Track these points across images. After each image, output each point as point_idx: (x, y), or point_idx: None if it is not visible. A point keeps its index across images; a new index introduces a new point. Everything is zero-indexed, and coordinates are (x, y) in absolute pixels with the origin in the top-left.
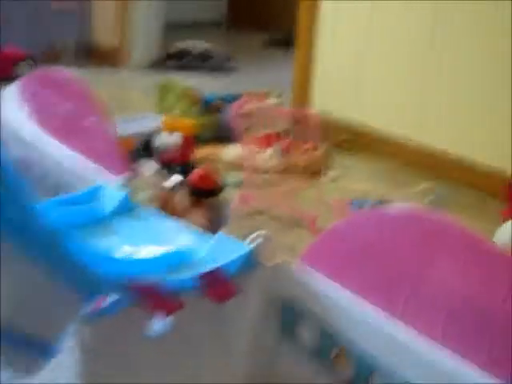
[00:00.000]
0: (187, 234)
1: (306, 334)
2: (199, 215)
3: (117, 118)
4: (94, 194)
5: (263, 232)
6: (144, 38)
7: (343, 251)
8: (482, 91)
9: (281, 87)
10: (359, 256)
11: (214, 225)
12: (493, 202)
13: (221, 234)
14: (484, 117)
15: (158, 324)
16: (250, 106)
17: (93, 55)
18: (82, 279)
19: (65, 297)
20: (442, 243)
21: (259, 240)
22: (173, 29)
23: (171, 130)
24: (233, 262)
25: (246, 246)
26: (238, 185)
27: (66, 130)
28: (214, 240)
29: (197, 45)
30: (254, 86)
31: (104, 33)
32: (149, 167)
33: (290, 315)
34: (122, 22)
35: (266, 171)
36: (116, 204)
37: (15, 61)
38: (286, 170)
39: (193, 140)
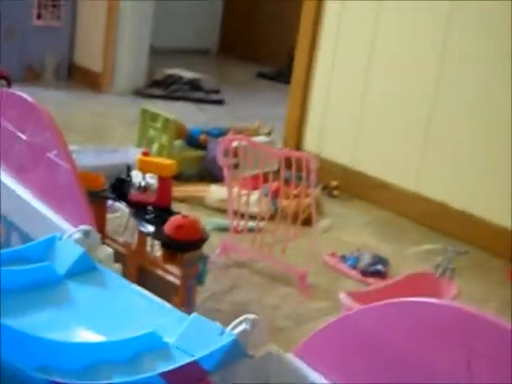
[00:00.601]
0: (154, 310)
1: None
2: (172, 271)
3: (90, 148)
4: (45, 247)
5: (251, 316)
6: (129, 63)
7: (347, 347)
8: (487, 144)
9: (270, 122)
10: (371, 356)
11: (187, 284)
12: (499, 263)
13: (196, 315)
14: (488, 172)
15: None
16: (239, 143)
17: (74, 77)
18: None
19: None
20: (482, 353)
21: (245, 325)
22: (160, 55)
23: (147, 170)
24: (212, 353)
25: (228, 334)
26: (221, 230)
27: (22, 161)
28: (187, 322)
29: (185, 73)
30: (243, 120)
31: (88, 54)
32: (118, 208)
33: None
34: (107, 45)
35: (251, 216)
36: (72, 263)
37: None
38: (274, 217)
39: (171, 182)
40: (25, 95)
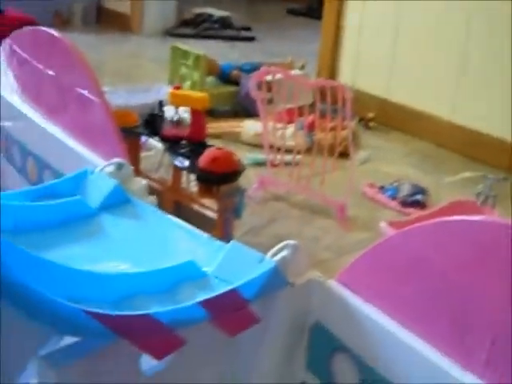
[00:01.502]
0: (192, 240)
1: (342, 371)
2: (209, 205)
3: (122, 89)
4: (76, 182)
5: (291, 242)
6: (158, 3)
7: (392, 271)
8: None
9: (303, 58)
10: (412, 279)
11: (224, 218)
12: None
13: (235, 242)
14: None
15: (149, 365)
16: (272, 76)
17: (103, 21)
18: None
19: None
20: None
21: (285, 252)
22: None
23: (179, 103)
24: (251, 282)
25: (267, 261)
26: (257, 165)
27: (52, 100)
28: (226, 250)
29: (215, 11)
30: (275, 56)
31: None
32: (152, 146)
33: (322, 348)
34: None
35: (287, 150)
36: (104, 196)
37: (20, 26)
38: (310, 150)
39: (204, 116)
40: (53, 31)
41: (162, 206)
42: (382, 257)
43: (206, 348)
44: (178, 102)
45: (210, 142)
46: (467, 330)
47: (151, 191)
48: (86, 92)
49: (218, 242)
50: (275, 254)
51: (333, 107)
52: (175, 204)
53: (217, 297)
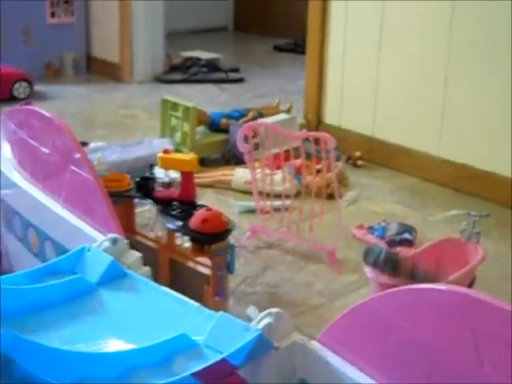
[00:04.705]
0: (183, 310)
1: None
2: (202, 262)
3: (115, 144)
4: (75, 259)
5: (274, 310)
6: (146, 51)
7: (364, 333)
8: (507, 101)
9: (291, 96)
10: (387, 341)
11: (218, 274)
12: None
13: (222, 314)
14: (508, 129)
15: None
16: (258, 126)
17: (93, 70)
18: None
19: None
20: (488, 336)
21: (269, 319)
22: (177, 37)
23: (168, 167)
24: (239, 350)
25: (253, 329)
26: (249, 212)
27: (48, 175)
28: (214, 321)
29: (203, 54)
30: (264, 97)
31: (104, 46)
32: (146, 205)
33: None
34: (122, 35)
35: (278, 195)
36: (102, 272)
37: (12, 81)
38: (300, 194)
39: (193, 177)
40: (43, 111)
41: (158, 263)
42: (357, 319)
43: None
44: (167, 165)
45: (202, 190)
46: None
47: (148, 253)
48: (77, 167)
49: (207, 311)
50: (260, 321)
51: (318, 148)
52: (170, 261)
53: (208, 367)
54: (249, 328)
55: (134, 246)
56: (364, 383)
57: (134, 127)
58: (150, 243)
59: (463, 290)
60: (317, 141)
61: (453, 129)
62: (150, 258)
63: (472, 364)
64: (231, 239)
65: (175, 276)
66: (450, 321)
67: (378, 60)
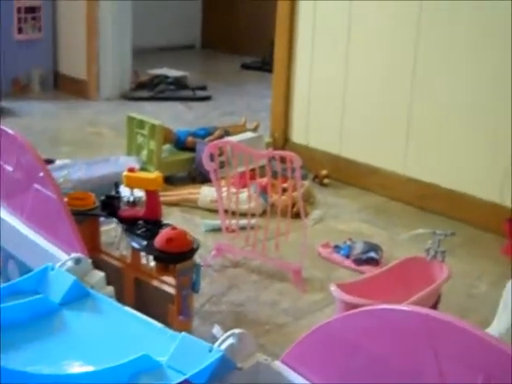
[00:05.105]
0: (146, 331)
1: None
2: (167, 281)
3: (81, 161)
4: (38, 279)
5: (237, 331)
6: (113, 68)
7: (332, 353)
8: (472, 121)
9: (258, 113)
10: (350, 361)
11: (182, 294)
12: (489, 238)
13: (185, 335)
14: (474, 148)
15: None
16: (224, 145)
17: (61, 87)
18: None
19: None
20: (450, 356)
21: (232, 340)
22: (145, 55)
23: (133, 185)
24: (202, 371)
25: (216, 350)
26: (215, 231)
27: (12, 194)
28: (177, 342)
29: (170, 72)
30: (230, 115)
31: (72, 63)
32: (112, 223)
33: None
34: (89, 52)
35: (243, 214)
36: (65, 292)
37: None
38: (265, 213)
39: (158, 195)
40: (6, 128)
41: (123, 282)
42: (318, 340)
43: None
44: (132, 183)
45: (168, 209)
46: None
47: (113, 271)
48: (40, 185)
49: (170, 332)
50: (223, 342)
51: (284, 166)
52: (135, 280)
53: None
54: (212, 349)
55: (99, 264)
56: None
57: (101, 145)
58: (115, 262)
59: (424, 310)
60: (283, 159)
61: (418, 147)
62: (116, 277)
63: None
64: (197, 258)
65: (140, 295)
66: (412, 341)
67: (345, 78)
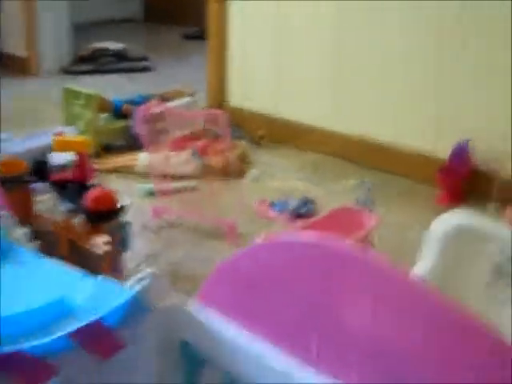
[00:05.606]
0: (68, 279)
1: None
2: (100, 241)
3: (19, 135)
4: None
5: (149, 271)
6: (53, 43)
7: (243, 286)
8: (403, 71)
9: (200, 83)
10: (261, 292)
11: (116, 249)
12: (423, 189)
13: (102, 278)
14: (404, 98)
15: None
16: (158, 108)
17: (2, 65)
18: None
19: None
20: (351, 278)
21: (146, 281)
22: (88, 29)
23: (62, 149)
24: (113, 311)
25: (128, 291)
26: (152, 195)
27: None
28: (93, 285)
29: (111, 45)
30: (172, 84)
31: (11, 40)
32: (42, 191)
33: (191, 362)
34: (28, 28)
35: (182, 176)
36: None
37: None
38: (204, 174)
39: (87, 158)
40: None
41: (58, 245)
42: (225, 277)
43: (81, 372)
44: (61, 147)
45: (106, 176)
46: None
47: (49, 235)
48: None
49: (91, 279)
50: (135, 283)
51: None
52: (70, 242)
53: (82, 328)
54: (125, 290)
55: (35, 232)
56: (243, 340)
57: (40, 119)
58: (49, 226)
59: (314, 240)
60: (216, 122)
61: (348, 102)
62: (52, 241)
63: (362, 320)
64: (125, 217)
65: (75, 256)
66: (304, 268)
67: (279, 39)
